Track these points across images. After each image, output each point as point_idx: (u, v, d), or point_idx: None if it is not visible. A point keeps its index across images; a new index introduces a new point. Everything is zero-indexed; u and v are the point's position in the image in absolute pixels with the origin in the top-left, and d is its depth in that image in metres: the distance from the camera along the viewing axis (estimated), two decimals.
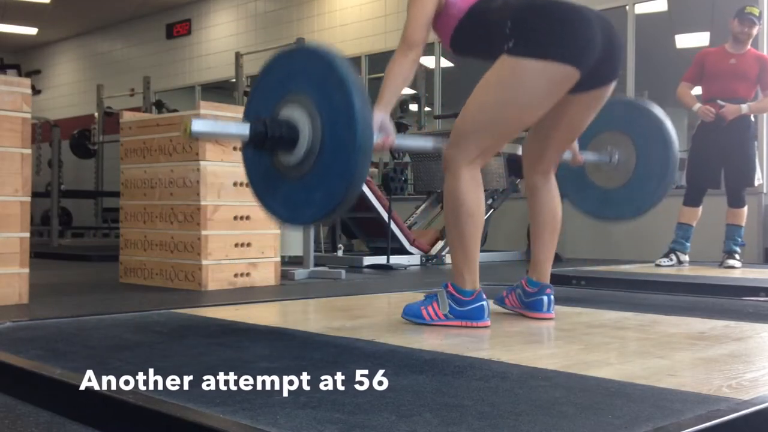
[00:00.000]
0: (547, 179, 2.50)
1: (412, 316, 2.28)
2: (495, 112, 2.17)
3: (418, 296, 2.42)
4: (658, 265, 5.01)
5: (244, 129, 2.01)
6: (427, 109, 8.43)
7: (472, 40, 2.29)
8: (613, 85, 2.32)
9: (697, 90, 5.03)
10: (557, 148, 2.47)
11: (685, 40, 9.03)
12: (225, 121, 2.18)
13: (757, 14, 4.84)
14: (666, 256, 5.08)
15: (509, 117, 2.18)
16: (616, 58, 2.25)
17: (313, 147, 1.97)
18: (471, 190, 2.19)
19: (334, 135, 1.94)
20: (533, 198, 2.51)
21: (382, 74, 2.26)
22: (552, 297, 2.45)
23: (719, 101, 4.80)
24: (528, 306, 2.46)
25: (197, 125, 1.94)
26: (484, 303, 2.25)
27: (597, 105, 2.35)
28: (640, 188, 2.89)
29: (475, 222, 2.20)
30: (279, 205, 2.16)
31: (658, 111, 2.93)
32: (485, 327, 2.23)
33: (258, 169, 2.21)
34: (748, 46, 4.88)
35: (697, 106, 4.86)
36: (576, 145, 2.72)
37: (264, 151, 2.07)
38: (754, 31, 4.85)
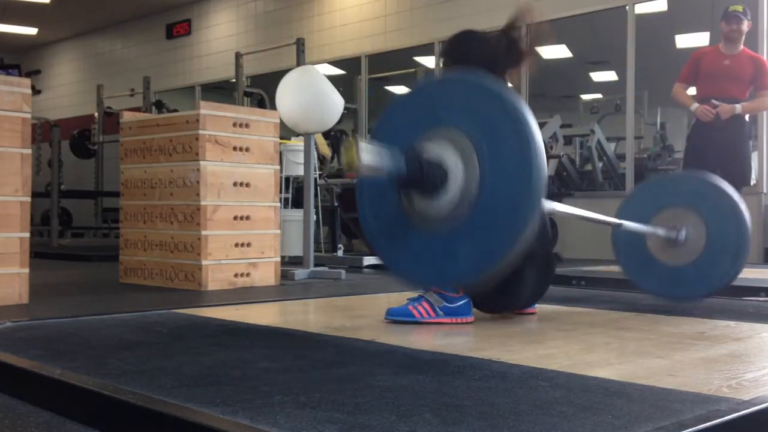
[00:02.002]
0: None
1: (400, 316, 2.32)
2: None
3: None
4: None
5: (399, 163, 1.67)
6: None
7: None
8: None
9: (691, 90, 5.03)
10: None
11: (685, 40, 9.04)
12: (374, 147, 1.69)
13: (741, 10, 4.84)
14: None
15: None
16: None
17: (467, 193, 1.69)
18: None
19: (499, 179, 1.66)
20: None
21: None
22: None
23: (713, 101, 4.80)
24: None
25: (366, 154, 1.61)
26: (468, 300, 2.35)
27: None
28: (712, 265, 2.75)
29: None
30: (407, 260, 1.82)
31: (728, 187, 2.83)
32: (470, 323, 2.34)
33: (380, 210, 1.86)
34: (741, 46, 4.87)
35: (695, 106, 4.87)
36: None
37: (403, 191, 1.75)
38: (743, 27, 4.84)
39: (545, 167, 1.68)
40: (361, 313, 2.72)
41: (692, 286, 2.82)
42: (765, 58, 5.09)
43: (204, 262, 3.99)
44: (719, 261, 2.74)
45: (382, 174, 1.65)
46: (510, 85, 2.50)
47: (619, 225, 2.67)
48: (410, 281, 1.90)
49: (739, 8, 4.85)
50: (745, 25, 4.84)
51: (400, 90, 10.31)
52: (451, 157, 1.70)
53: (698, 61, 4.93)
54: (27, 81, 3.32)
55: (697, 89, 4.97)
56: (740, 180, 4.92)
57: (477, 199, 1.68)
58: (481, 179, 1.67)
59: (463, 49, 2.51)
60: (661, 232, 2.80)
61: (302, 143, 5.48)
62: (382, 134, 1.86)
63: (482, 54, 2.44)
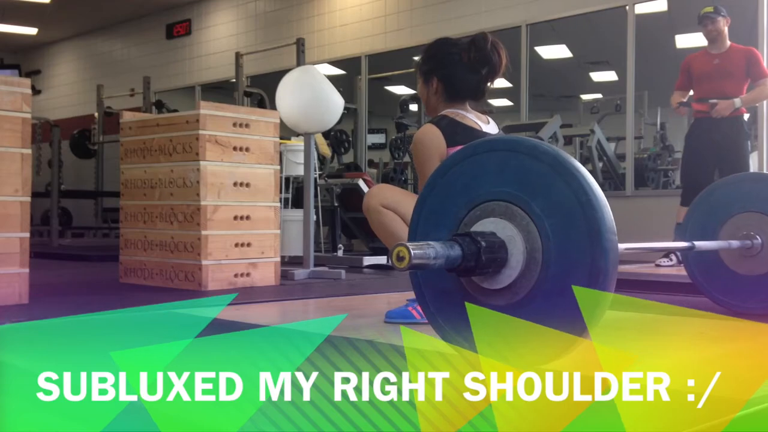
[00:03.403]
0: None
1: (400, 318, 2.32)
2: None
3: None
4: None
5: (453, 251, 1.54)
6: None
7: None
8: None
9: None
10: None
11: (685, 40, 9.03)
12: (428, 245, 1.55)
13: (712, 10, 4.86)
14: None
15: None
16: None
17: (530, 266, 1.56)
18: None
19: (564, 248, 1.53)
20: None
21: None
22: None
23: (711, 100, 4.80)
24: None
25: (415, 253, 1.49)
26: None
27: None
28: None
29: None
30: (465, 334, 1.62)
31: None
32: None
33: (435, 285, 1.73)
34: (727, 43, 4.87)
35: (677, 106, 4.97)
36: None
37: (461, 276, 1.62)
38: (719, 25, 4.83)
39: (613, 225, 1.52)
40: (361, 313, 2.72)
41: None
42: (759, 52, 5.08)
43: (204, 262, 3.99)
44: None
45: (436, 266, 1.54)
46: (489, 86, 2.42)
47: (691, 248, 2.48)
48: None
49: (710, 9, 4.87)
50: (721, 23, 4.84)
51: (400, 90, 10.32)
52: (510, 236, 1.57)
53: (689, 67, 4.95)
54: (27, 81, 3.33)
55: (693, 93, 4.99)
56: None
57: (541, 270, 1.55)
58: (543, 249, 1.54)
59: (443, 55, 2.42)
60: (735, 244, 2.65)
61: (302, 143, 5.48)
62: (423, 223, 1.73)
63: (462, 59, 2.37)
